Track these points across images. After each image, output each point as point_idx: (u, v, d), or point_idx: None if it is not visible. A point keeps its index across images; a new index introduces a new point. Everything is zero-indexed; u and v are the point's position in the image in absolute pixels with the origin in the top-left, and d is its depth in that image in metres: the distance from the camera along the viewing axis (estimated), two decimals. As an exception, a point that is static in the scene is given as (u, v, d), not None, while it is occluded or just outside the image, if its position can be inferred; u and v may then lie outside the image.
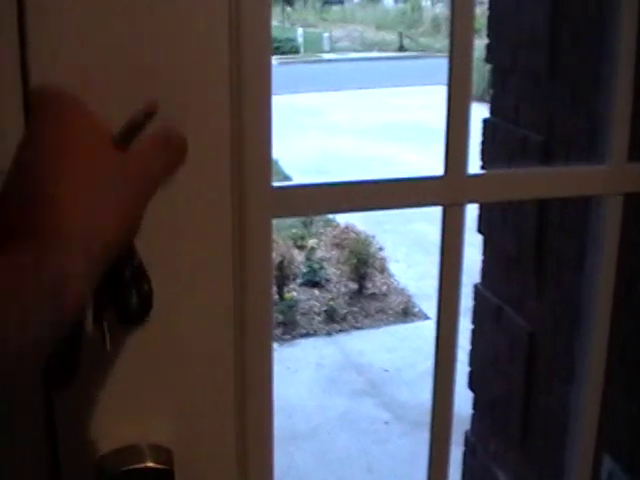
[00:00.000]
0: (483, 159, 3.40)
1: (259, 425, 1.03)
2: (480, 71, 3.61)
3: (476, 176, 1.14)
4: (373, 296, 7.44)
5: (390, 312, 7.11)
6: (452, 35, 1.05)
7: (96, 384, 0.91)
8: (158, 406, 0.94)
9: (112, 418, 0.92)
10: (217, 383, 0.98)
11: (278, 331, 6.78)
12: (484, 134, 3.49)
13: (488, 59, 3.44)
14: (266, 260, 1.00)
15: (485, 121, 3.48)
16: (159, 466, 0.91)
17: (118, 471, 0.89)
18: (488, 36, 3.42)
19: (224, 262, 0.94)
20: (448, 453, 1.26)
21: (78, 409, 0.90)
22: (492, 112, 3.47)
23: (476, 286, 3.85)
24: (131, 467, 0.90)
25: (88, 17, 0.83)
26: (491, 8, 3.43)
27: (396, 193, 1.11)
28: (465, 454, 4.32)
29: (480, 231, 3.73)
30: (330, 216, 9.40)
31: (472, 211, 3.94)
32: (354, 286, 7.58)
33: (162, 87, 0.87)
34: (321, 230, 8.95)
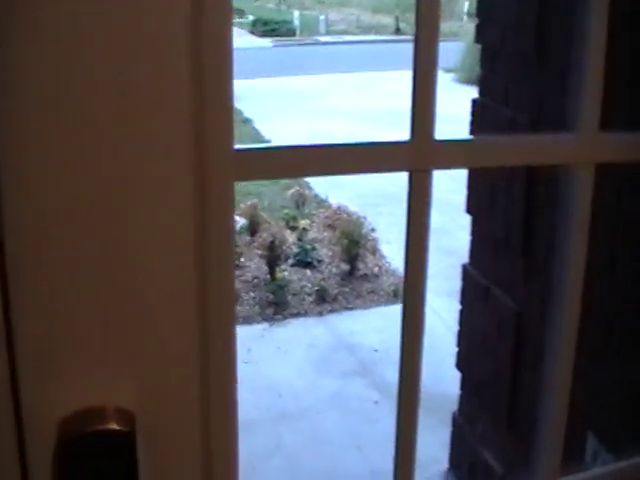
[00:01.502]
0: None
1: (223, 390, 1.03)
2: (476, 55, 3.62)
3: (443, 142, 1.14)
4: (364, 277, 7.45)
5: (381, 293, 7.13)
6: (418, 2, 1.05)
7: (58, 344, 0.91)
8: (121, 369, 0.94)
9: (74, 380, 0.92)
10: (180, 347, 0.98)
11: (269, 311, 6.79)
12: (473, 114, 3.50)
13: (477, 39, 3.45)
14: (228, 223, 0.99)
15: (474, 101, 3.49)
16: (121, 428, 0.91)
17: (80, 433, 0.90)
18: (478, 16, 3.43)
19: (185, 225, 0.94)
20: (416, 426, 1.25)
21: (40, 370, 0.91)
22: (481, 93, 3.48)
23: (464, 266, 3.88)
24: (93, 429, 0.90)
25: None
26: (481, -12, 3.44)
27: (362, 158, 1.10)
28: (453, 434, 4.35)
29: (469, 211, 3.74)
30: (323, 197, 9.40)
31: (462, 192, 3.95)
32: (346, 267, 7.58)
33: (115, 47, 0.87)
34: (313, 211, 8.96)
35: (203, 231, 0.95)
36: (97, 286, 0.91)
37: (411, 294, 1.16)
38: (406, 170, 1.10)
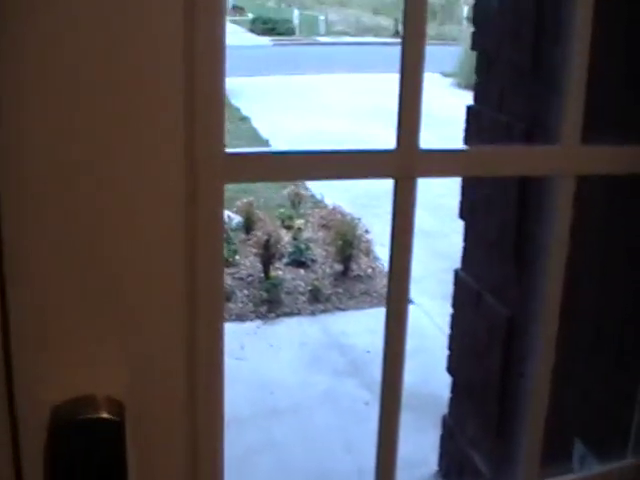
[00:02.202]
0: (466, 145, 3.43)
1: (210, 383, 1.06)
2: (474, 61, 3.64)
3: (427, 151, 1.17)
4: (358, 278, 7.47)
5: (374, 295, 7.15)
6: (406, 8, 1.08)
7: (51, 335, 0.94)
8: (112, 360, 0.97)
9: (67, 369, 0.95)
10: (168, 340, 1.01)
11: (262, 309, 6.81)
12: (468, 121, 3.53)
13: (473, 46, 3.47)
14: (217, 224, 1.02)
15: (469, 108, 3.51)
16: (110, 417, 0.94)
17: (71, 420, 0.93)
18: (474, 24, 3.45)
19: (176, 225, 0.96)
20: (397, 425, 1.28)
21: (33, 359, 0.94)
22: (476, 99, 3.50)
23: (456, 271, 3.90)
24: (83, 417, 0.93)
25: None
26: (477, -5, 3.46)
27: (349, 164, 1.14)
28: (442, 438, 4.37)
29: (462, 217, 3.77)
30: (318, 197, 9.43)
31: (456, 197, 3.97)
32: (339, 267, 7.61)
33: (109, 46, 0.89)
34: (309, 211, 8.98)
35: (193, 229, 0.98)
36: (89, 279, 0.94)
37: (395, 299, 1.20)
38: (391, 177, 1.13)
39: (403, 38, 1.08)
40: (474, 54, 3.59)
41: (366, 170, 1.16)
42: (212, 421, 1.07)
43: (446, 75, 17.36)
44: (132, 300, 0.97)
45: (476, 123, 3.49)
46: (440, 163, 1.20)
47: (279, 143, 11.08)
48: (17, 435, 0.95)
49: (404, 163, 1.13)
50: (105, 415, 0.94)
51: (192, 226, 0.98)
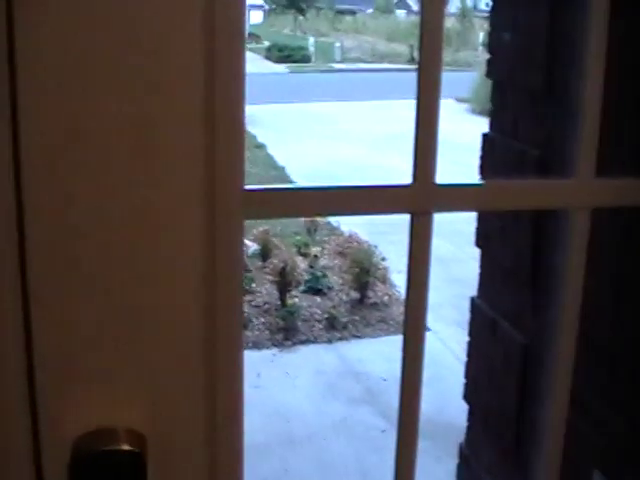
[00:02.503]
0: (482, 173, 3.43)
1: (229, 414, 1.06)
2: (489, 87, 3.64)
3: (444, 186, 1.17)
4: (374, 306, 7.46)
5: (391, 322, 7.14)
6: (421, 43, 1.08)
7: (75, 369, 0.95)
8: (133, 392, 0.97)
9: (89, 402, 0.96)
10: (189, 372, 1.01)
11: (279, 337, 6.81)
12: (483, 148, 3.52)
13: (488, 74, 3.47)
14: (237, 260, 1.02)
15: (484, 135, 3.51)
16: (132, 448, 0.95)
17: (93, 452, 0.93)
18: (489, 52, 3.45)
19: (195, 260, 0.97)
20: (415, 454, 1.28)
21: (57, 392, 0.95)
22: (491, 127, 3.50)
23: (472, 299, 3.89)
24: (105, 449, 0.94)
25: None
26: (492, 24, 3.47)
27: (366, 199, 1.15)
28: (459, 466, 4.35)
29: (478, 245, 3.76)
30: (334, 224, 9.44)
31: (472, 223, 3.96)
32: (356, 295, 7.61)
33: (130, 78, 0.91)
34: (325, 238, 8.99)
35: (212, 265, 0.99)
36: (110, 315, 0.95)
37: (412, 331, 1.20)
38: (408, 212, 1.14)
39: (418, 76, 1.08)
40: (488, 81, 3.59)
41: (383, 205, 1.16)
42: (232, 452, 1.08)
43: (460, 100, 17.37)
44: (152, 334, 0.98)
45: (491, 151, 3.49)
46: (457, 198, 1.21)
47: (295, 170, 11.12)
48: (40, 467, 0.96)
49: (420, 198, 1.14)
50: (126, 447, 0.95)
51: (211, 261, 0.99)
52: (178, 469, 1.03)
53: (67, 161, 0.90)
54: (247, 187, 1.00)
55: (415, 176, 1.11)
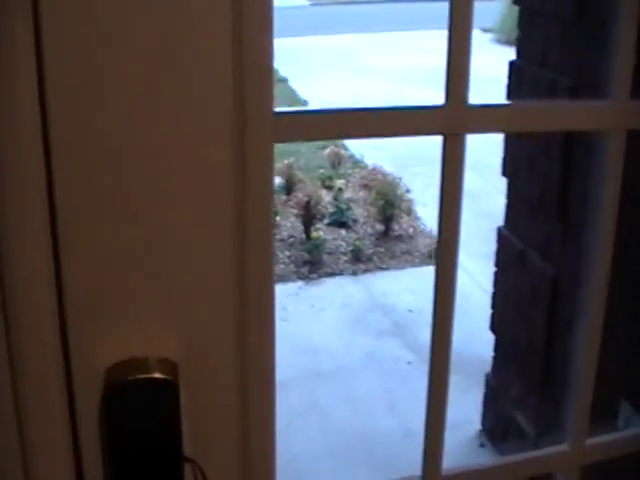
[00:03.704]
0: (509, 100, 3.40)
1: (261, 342, 1.06)
2: (513, 14, 3.59)
3: (476, 107, 1.15)
4: (399, 238, 7.44)
5: (416, 254, 7.12)
6: None
7: (106, 298, 0.95)
8: (165, 322, 0.97)
9: (121, 331, 0.96)
10: (221, 302, 1.01)
11: (304, 270, 6.81)
12: (510, 77, 3.48)
13: (516, 1, 3.42)
14: (268, 183, 1.01)
15: (512, 64, 3.47)
16: (164, 376, 0.94)
17: (125, 380, 0.93)
18: (516, -22, 3.40)
19: (225, 186, 0.96)
20: (447, 386, 1.28)
21: (88, 321, 0.95)
22: (519, 55, 3.46)
23: (499, 229, 3.87)
24: (137, 377, 0.94)
25: None
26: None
27: (396, 121, 1.13)
28: (485, 396, 4.37)
29: (504, 174, 3.74)
30: (358, 157, 9.39)
31: (498, 155, 3.93)
32: (380, 227, 7.58)
33: (161, 22, 0.89)
34: (349, 171, 8.95)
35: (243, 191, 0.98)
36: (141, 249, 0.94)
37: (444, 256, 1.19)
38: (440, 134, 1.12)
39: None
40: (515, 9, 3.53)
41: (414, 126, 1.15)
42: (264, 381, 1.08)
43: (486, 30, 17.15)
44: (183, 265, 0.98)
45: (519, 79, 3.45)
46: (489, 119, 1.19)
47: (318, 104, 11.06)
48: (73, 395, 0.96)
49: (453, 119, 1.12)
50: (158, 375, 0.95)
51: (242, 187, 0.97)
52: (211, 397, 1.03)
53: (93, 96, 0.89)
54: (277, 109, 0.98)
55: (447, 96, 1.09)
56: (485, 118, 1.18)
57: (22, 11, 0.83)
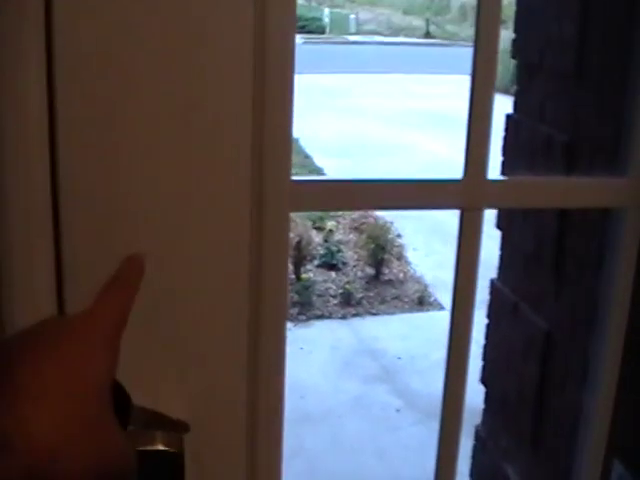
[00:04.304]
0: (504, 155, 3.40)
1: (270, 409, 1.06)
2: (505, 63, 3.60)
3: (496, 181, 1.15)
4: (389, 282, 7.44)
5: (406, 300, 7.12)
6: (477, 35, 1.07)
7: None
8: (171, 389, 0.96)
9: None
10: (230, 365, 1.00)
11: (293, 311, 6.79)
12: (507, 130, 3.48)
13: (514, 55, 3.43)
14: (282, 253, 1.02)
15: (508, 117, 3.47)
16: (170, 449, 0.92)
17: None
18: (515, 31, 3.40)
19: (241, 254, 0.96)
20: (457, 445, 1.28)
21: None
22: (516, 109, 3.46)
23: (492, 281, 3.86)
24: (141, 449, 0.91)
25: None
26: (518, 3, 3.42)
27: (415, 194, 1.13)
28: (475, 448, 4.33)
29: (499, 227, 3.73)
30: (350, 200, 9.39)
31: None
32: (371, 271, 7.59)
33: (182, 90, 0.89)
34: (340, 213, 8.97)
35: (258, 259, 0.98)
36: (153, 314, 0.93)
37: (457, 332, 1.18)
38: (458, 208, 1.12)
39: (472, 74, 1.06)
40: (507, 56, 3.54)
41: (433, 200, 1.15)
42: (272, 454, 1.07)
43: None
44: (195, 330, 0.97)
45: (515, 133, 3.45)
46: (508, 194, 1.18)
47: (309, 143, 11.04)
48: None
49: (471, 193, 1.11)
50: (162, 447, 0.93)
51: (257, 256, 0.97)
52: (218, 467, 1.02)
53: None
54: (294, 178, 0.99)
55: (466, 170, 1.09)
56: (504, 193, 1.18)
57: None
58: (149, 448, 0.93)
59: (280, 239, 1.00)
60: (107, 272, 0.89)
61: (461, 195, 1.12)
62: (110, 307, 0.65)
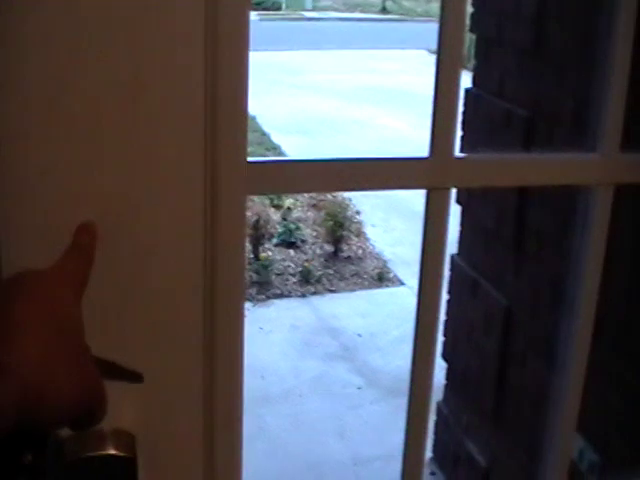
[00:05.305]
0: (464, 129, 3.38)
1: (229, 391, 1.02)
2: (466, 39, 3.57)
3: (464, 159, 1.12)
4: (348, 259, 7.42)
5: (365, 276, 7.10)
6: (443, 10, 1.05)
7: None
8: (122, 388, 0.92)
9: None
10: (185, 366, 0.97)
11: (252, 290, 6.75)
12: (466, 105, 3.47)
13: (472, 29, 3.40)
14: (239, 236, 0.99)
15: (467, 91, 3.45)
16: (121, 454, 0.88)
17: (77, 457, 0.87)
18: (473, 5, 3.38)
19: (195, 238, 0.94)
20: (426, 422, 1.25)
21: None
22: (474, 83, 3.44)
23: (452, 257, 3.85)
24: (91, 454, 0.87)
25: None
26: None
27: (379, 174, 1.09)
28: (437, 424, 4.34)
29: (459, 202, 3.71)
30: (308, 177, 9.36)
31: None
32: (330, 248, 7.56)
33: (135, 61, 0.85)
34: (298, 190, 8.93)
35: (213, 242, 0.95)
36: (107, 290, 0.90)
37: (425, 314, 1.15)
38: (424, 187, 1.08)
39: (439, 48, 1.02)
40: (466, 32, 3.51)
41: (397, 180, 1.10)
42: (232, 436, 1.04)
43: (433, 52, 17.30)
44: (147, 316, 0.95)
45: (475, 107, 3.43)
46: (475, 172, 1.14)
47: (266, 121, 10.99)
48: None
49: (438, 172, 1.08)
50: (113, 452, 0.88)
51: (212, 238, 0.94)
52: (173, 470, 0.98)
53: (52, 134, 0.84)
54: (251, 159, 0.95)
55: (433, 148, 1.05)
56: (471, 171, 1.14)
57: None
58: (99, 453, 0.88)
59: (237, 222, 0.97)
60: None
61: (428, 174, 1.09)
62: (74, 263, 0.73)
